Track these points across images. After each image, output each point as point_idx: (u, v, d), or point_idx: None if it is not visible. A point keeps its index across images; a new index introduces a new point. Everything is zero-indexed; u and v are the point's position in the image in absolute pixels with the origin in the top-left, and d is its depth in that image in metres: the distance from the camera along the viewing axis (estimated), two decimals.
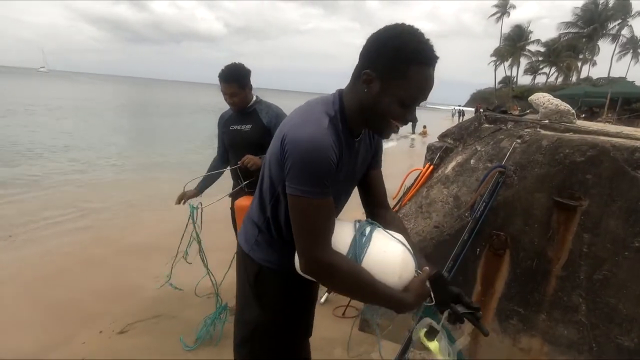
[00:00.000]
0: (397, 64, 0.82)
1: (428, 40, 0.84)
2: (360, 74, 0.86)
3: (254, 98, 2.17)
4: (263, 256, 1.03)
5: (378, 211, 1.11)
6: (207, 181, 2.30)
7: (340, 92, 0.95)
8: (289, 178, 0.83)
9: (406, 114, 0.88)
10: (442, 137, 2.37)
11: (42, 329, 2.28)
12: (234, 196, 2.17)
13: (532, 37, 45.93)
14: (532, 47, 46.37)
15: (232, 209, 2.24)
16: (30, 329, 2.28)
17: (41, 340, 2.16)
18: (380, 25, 0.89)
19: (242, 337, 1.12)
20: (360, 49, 0.89)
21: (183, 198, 2.20)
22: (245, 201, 1.94)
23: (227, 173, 2.31)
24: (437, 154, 2.24)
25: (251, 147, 2.07)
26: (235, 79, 2.02)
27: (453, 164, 2.06)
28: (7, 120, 13.15)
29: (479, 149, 1.97)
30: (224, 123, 2.25)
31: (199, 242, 2.08)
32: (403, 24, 0.86)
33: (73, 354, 2.05)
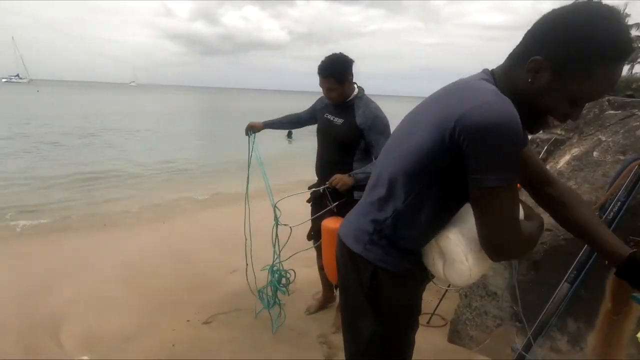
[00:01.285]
0: (582, 58, 0.66)
1: (627, 27, 0.66)
2: (526, 59, 0.72)
3: (355, 91, 1.94)
4: (380, 256, 0.91)
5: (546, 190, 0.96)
6: (276, 124, 2.32)
7: (490, 73, 0.80)
8: (482, 169, 0.70)
9: (573, 113, 0.74)
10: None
11: (138, 312, 2.46)
12: (321, 213, 1.94)
13: (630, 20, 40.22)
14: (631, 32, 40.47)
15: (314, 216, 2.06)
16: (128, 311, 2.47)
17: (137, 323, 2.33)
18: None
19: (355, 349, 1.01)
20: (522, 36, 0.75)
21: (250, 130, 2.29)
22: (334, 223, 1.74)
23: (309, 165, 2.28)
24: (544, 147, 1.94)
25: (338, 143, 1.94)
26: (331, 72, 1.82)
27: (567, 157, 1.77)
28: (111, 126, 15.12)
29: (603, 139, 1.66)
30: (321, 108, 2.11)
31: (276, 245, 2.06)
32: (598, 3, 0.68)
33: (164, 338, 2.17)
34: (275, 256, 2.13)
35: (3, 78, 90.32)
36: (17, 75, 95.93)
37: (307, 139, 14.06)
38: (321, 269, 2.22)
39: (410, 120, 0.89)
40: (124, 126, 15.75)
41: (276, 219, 2.01)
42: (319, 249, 2.07)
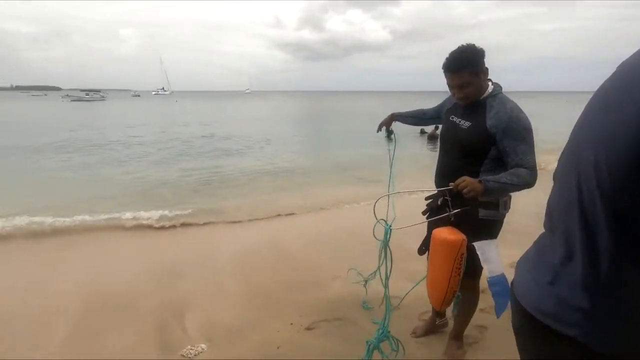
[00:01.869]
0: None
1: None
2: None
3: (490, 88, 1.61)
4: (605, 339, 0.61)
5: None
6: (403, 117, 2.22)
7: None
8: None
9: None
10: None
11: (247, 307, 2.60)
12: (435, 218, 1.59)
13: None
14: None
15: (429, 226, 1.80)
16: (239, 305, 2.63)
17: (246, 318, 2.44)
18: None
19: None
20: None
21: (382, 125, 2.22)
22: (448, 234, 1.47)
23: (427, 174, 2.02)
24: None
25: (463, 149, 1.64)
26: (464, 64, 1.53)
27: None
28: (233, 129, 17.13)
29: None
30: (448, 109, 1.83)
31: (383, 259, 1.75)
32: None
33: (269, 338, 2.22)
34: (381, 271, 1.89)
35: (153, 91, 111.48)
36: (162, 88, 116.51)
37: (411, 142, 13.62)
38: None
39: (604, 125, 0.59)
40: (239, 130, 17.61)
41: (387, 226, 1.74)
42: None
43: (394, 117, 2.20)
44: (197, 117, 27.27)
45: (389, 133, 2.25)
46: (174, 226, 4.62)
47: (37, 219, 4.63)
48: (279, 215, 5.03)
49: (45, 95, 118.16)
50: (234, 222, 4.79)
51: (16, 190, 6.71)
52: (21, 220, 4.56)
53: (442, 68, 1.61)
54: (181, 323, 2.41)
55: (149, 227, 4.58)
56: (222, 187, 7.02)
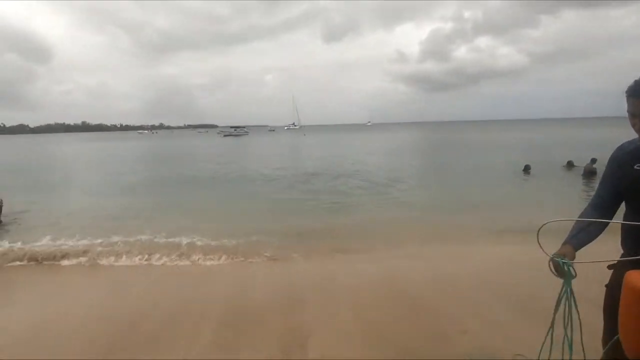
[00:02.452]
0: None
1: None
2: None
3: None
4: None
5: None
6: (583, 234, 1.44)
7: None
8: None
9: None
10: None
11: (361, 348, 2.50)
12: (618, 268, 1.32)
13: None
14: None
15: (610, 285, 1.42)
16: (352, 343, 2.57)
17: (359, 356, 2.38)
18: None
19: None
20: None
21: (557, 266, 1.38)
22: None
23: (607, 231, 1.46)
24: None
25: None
26: None
27: None
28: (353, 163, 17.83)
29: None
30: (625, 159, 1.41)
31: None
32: None
33: None
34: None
35: (285, 126, 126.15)
36: (293, 123, 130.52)
37: (555, 177, 11.58)
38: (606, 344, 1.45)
39: None
40: (363, 165, 18.10)
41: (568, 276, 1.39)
42: (609, 319, 1.39)
43: (573, 247, 1.43)
44: (322, 150, 29.35)
45: (565, 265, 1.38)
46: (295, 254, 4.94)
47: (200, 239, 5.66)
48: (400, 250, 4.88)
49: (207, 132, 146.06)
50: (354, 254, 4.85)
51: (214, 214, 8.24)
52: (184, 240, 5.68)
53: (627, 92, 1.30)
54: (303, 350, 2.50)
55: (274, 257, 5.01)
56: (345, 219, 7.23)
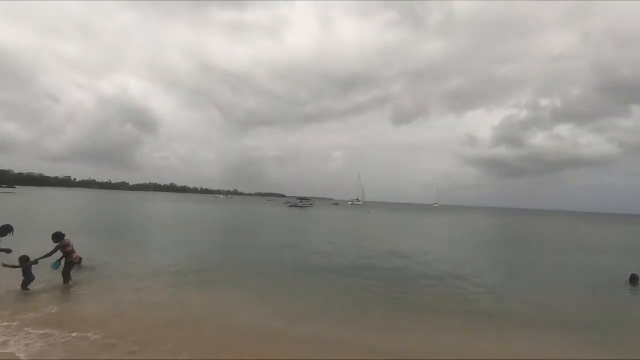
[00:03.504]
0: None
1: None
2: None
3: None
4: None
5: None
6: None
7: None
8: None
9: None
10: None
11: None
12: None
13: None
14: None
15: None
16: None
17: None
18: None
19: None
20: None
21: None
22: None
23: None
24: None
25: None
26: None
27: None
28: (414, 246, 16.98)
29: None
30: None
31: None
32: None
33: None
34: None
35: (349, 201, 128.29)
36: (357, 199, 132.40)
37: None
38: None
39: None
40: (428, 247, 17.07)
41: None
42: None
43: None
44: (386, 230, 28.65)
45: None
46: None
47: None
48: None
49: (274, 200, 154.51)
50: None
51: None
52: None
53: None
54: None
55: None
56: (404, 313, 6.68)
